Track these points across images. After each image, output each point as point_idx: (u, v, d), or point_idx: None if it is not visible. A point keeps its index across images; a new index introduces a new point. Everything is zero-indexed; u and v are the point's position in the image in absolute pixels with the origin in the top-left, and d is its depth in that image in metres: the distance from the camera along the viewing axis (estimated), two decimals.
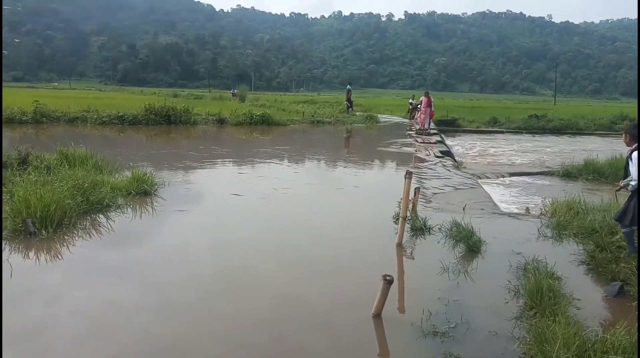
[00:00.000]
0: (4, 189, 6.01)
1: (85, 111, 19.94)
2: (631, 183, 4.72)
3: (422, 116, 20.31)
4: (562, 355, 2.81)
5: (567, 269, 4.74)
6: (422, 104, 20.39)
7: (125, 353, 3.15)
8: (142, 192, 7.00)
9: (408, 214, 5.95)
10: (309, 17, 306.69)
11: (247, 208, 7.04)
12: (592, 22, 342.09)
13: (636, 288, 4.15)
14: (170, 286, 4.17)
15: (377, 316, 3.65)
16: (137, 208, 6.51)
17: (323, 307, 3.93)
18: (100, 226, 5.63)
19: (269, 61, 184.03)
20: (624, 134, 4.96)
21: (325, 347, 3.32)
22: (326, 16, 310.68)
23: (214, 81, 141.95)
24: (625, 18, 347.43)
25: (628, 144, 4.87)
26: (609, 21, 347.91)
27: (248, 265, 4.78)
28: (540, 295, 3.77)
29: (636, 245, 4.81)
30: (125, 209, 6.33)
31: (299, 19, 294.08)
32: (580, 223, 5.96)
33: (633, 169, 4.71)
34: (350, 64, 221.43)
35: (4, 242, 4.87)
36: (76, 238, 5.25)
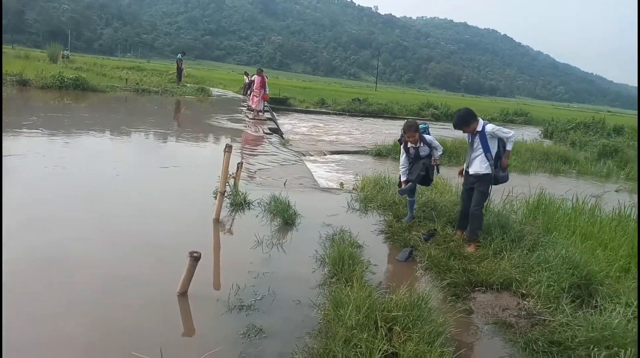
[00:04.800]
0: None
1: None
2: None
3: (255, 98, 17.59)
4: (353, 317, 3.05)
5: (368, 238, 5.21)
6: (255, 84, 17.78)
7: None
8: None
9: (228, 189, 5.89)
10: None
11: (60, 185, 6.19)
12: (411, 18, 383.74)
13: (424, 253, 4.75)
14: None
15: (183, 294, 3.51)
16: None
17: (131, 288, 3.65)
18: None
19: (90, 20, 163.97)
20: (412, 135, 5.42)
21: (127, 330, 3.08)
22: None
23: (20, 36, 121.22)
24: (436, 17, 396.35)
25: (417, 142, 5.48)
26: (424, 18, 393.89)
27: (64, 245, 4.27)
28: (342, 262, 4.06)
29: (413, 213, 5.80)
30: None
31: None
32: (383, 196, 6.61)
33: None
34: (184, 32, 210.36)
35: None
36: None
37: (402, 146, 5.68)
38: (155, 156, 9.01)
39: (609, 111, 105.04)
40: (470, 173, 4.99)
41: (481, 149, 4.85)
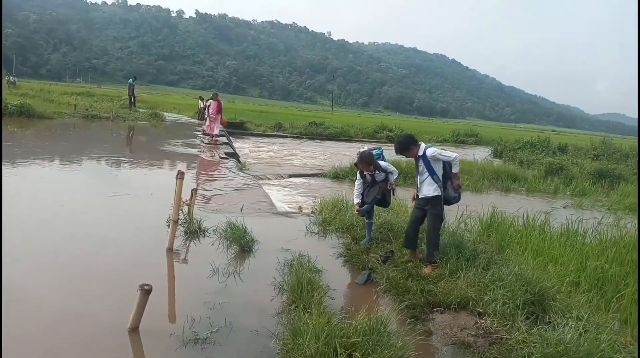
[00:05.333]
0: None
1: None
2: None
3: (212, 124, 17.06)
4: (312, 346, 2.98)
5: (327, 262, 5.16)
6: (211, 109, 17.16)
7: None
8: None
9: (182, 216, 5.73)
10: (87, 1, 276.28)
11: (7, 216, 5.82)
12: (363, 43, 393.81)
13: (382, 275, 4.74)
14: None
15: (135, 329, 3.34)
16: None
17: (79, 324, 3.43)
18: None
19: (37, 45, 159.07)
20: (367, 167, 5.49)
21: None
22: (109, 3, 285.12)
23: None
24: (387, 42, 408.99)
25: (373, 169, 5.53)
26: (376, 43, 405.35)
27: (7, 278, 3.96)
28: (300, 289, 3.99)
29: (371, 235, 5.83)
30: None
31: (75, 2, 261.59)
32: (341, 219, 6.61)
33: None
34: (136, 57, 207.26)
35: None
36: None
37: (358, 171, 5.72)
38: (105, 184, 8.67)
39: (553, 130, 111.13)
40: (420, 197, 5.06)
41: (427, 173, 4.94)
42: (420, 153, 4.93)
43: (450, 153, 4.99)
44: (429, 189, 4.94)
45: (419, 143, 5.03)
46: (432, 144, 5.13)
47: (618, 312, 4.38)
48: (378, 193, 5.51)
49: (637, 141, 21.44)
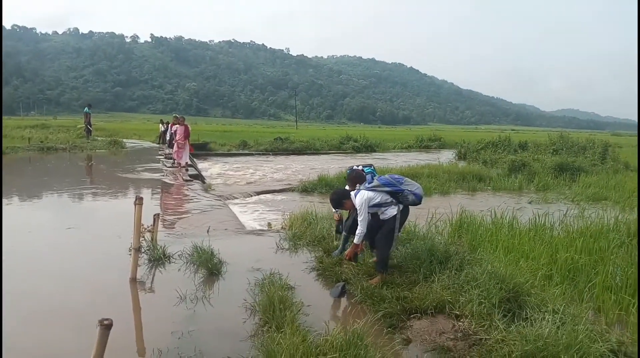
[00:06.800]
0: None
1: None
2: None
3: (181, 151, 15.50)
4: None
5: (300, 277, 5.02)
6: (178, 135, 15.55)
7: None
8: None
9: (144, 244, 5.49)
10: (37, 31, 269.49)
11: None
12: (322, 57, 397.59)
13: (357, 286, 4.63)
14: None
15: None
16: None
17: None
18: None
19: None
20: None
21: None
22: (59, 32, 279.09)
23: None
24: (346, 55, 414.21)
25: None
26: (334, 57, 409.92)
27: None
28: (272, 308, 3.83)
29: (345, 246, 5.56)
30: None
31: (24, 33, 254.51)
32: (312, 232, 6.48)
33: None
34: (92, 85, 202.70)
35: None
36: None
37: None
38: (63, 217, 8.28)
39: (512, 129, 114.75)
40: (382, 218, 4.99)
41: (379, 208, 4.92)
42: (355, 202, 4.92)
43: (362, 217, 4.84)
44: (390, 213, 4.90)
45: (351, 193, 5.07)
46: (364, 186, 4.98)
47: (591, 301, 4.41)
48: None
49: (594, 134, 22.25)
